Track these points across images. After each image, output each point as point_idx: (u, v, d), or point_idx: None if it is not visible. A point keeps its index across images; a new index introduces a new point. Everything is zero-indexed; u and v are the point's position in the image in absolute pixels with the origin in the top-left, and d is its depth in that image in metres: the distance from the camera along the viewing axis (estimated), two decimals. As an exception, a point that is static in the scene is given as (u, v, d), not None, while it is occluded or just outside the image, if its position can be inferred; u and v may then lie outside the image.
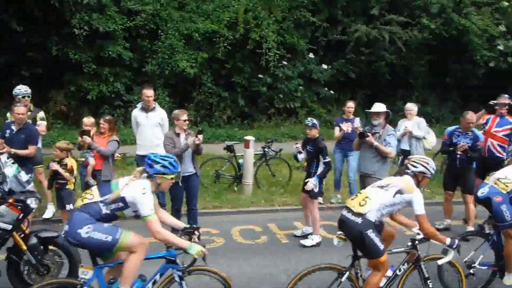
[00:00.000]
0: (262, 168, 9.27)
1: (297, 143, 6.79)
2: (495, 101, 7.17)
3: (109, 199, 3.73)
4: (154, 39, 13.38)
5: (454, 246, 4.26)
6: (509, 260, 4.99)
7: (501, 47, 14.66)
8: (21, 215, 4.48)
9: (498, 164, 7.16)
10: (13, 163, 4.84)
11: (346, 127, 7.85)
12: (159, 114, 7.25)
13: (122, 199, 3.75)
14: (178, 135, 6.34)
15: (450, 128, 7.08)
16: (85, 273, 3.76)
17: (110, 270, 3.92)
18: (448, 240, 4.25)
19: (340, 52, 15.46)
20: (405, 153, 8.26)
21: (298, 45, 14.65)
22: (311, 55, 15.25)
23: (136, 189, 3.74)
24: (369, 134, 6.29)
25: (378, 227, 4.22)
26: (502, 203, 4.93)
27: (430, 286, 4.37)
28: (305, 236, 6.55)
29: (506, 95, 7.38)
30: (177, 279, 3.90)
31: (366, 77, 15.47)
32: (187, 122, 6.40)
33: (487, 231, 5.13)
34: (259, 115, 14.83)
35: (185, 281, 3.90)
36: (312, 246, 6.30)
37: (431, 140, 8.46)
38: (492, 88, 11.07)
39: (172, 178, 3.97)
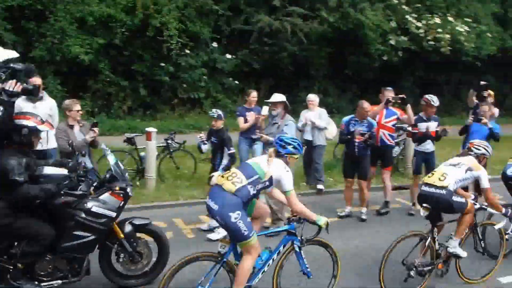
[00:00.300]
0: (165, 161, 8.90)
1: (201, 134, 6.61)
2: (394, 95, 7.57)
3: (262, 180, 4.09)
4: (41, 21, 12.21)
5: (508, 215, 5.19)
6: None
7: (393, 42, 15.60)
8: (122, 202, 4.51)
9: (389, 151, 7.77)
10: (112, 151, 4.93)
11: (251, 117, 7.77)
12: (48, 103, 6.56)
13: (270, 178, 4.15)
14: (71, 127, 5.83)
15: (346, 118, 7.32)
16: (223, 246, 4.15)
17: None
18: (504, 210, 5.17)
19: (244, 42, 15.43)
20: (308, 144, 8.41)
21: (201, 34, 14.34)
22: (214, 44, 15.02)
23: (280, 168, 4.19)
24: (262, 135, 6.42)
25: None
26: None
27: (483, 245, 5.40)
28: (211, 230, 6.37)
29: (390, 88, 7.88)
30: (296, 249, 4.38)
31: (269, 68, 15.61)
32: (80, 112, 5.88)
33: None
34: (161, 105, 14.30)
35: (303, 251, 4.40)
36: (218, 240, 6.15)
37: (332, 130, 8.70)
38: (386, 81, 11.75)
39: (297, 158, 4.47)
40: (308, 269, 4.45)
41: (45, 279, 4.25)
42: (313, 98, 8.63)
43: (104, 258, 4.64)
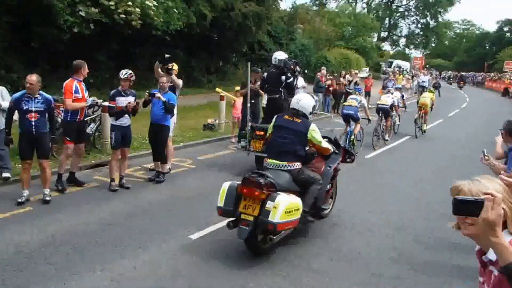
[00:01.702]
0: None
1: None
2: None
3: (360, 104, 11.42)
4: None
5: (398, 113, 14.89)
6: None
7: (83, 13, 14.85)
8: None
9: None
10: None
11: None
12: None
13: (362, 104, 11.57)
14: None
15: (16, 94, 6.62)
16: (348, 127, 11.30)
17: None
18: (399, 110, 14.83)
19: None
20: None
21: None
22: None
23: (364, 100, 12.18)
24: None
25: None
26: None
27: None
28: None
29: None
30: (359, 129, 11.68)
31: None
32: None
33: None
34: None
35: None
36: None
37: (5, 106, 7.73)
38: (79, 54, 11.15)
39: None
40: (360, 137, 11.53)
41: None
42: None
43: None
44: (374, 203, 7.62)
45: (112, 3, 15.08)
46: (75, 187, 7.47)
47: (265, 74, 9.70)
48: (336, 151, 6.52)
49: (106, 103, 9.49)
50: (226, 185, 5.27)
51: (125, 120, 7.62)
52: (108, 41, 16.85)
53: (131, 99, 7.56)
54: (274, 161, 5.62)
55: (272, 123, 6.04)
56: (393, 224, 6.69)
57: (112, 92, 7.71)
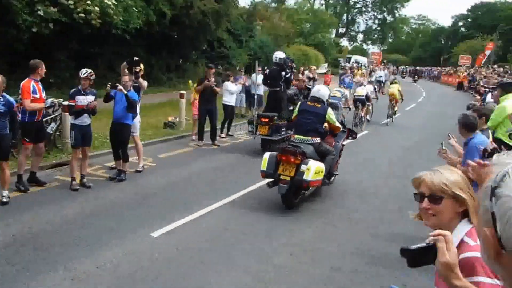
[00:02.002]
0: None
1: None
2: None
3: (342, 95, 13.77)
4: None
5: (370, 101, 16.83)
6: None
7: (41, 13, 14.59)
8: None
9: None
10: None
11: None
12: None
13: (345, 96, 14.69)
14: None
15: None
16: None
17: None
18: (372, 101, 16.86)
19: None
20: None
21: None
22: None
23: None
24: None
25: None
26: None
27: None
28: None
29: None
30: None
31: None
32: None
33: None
34: None
35: None
36: None
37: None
38: (39, 54, 10.99)
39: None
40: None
41: None
42: None
43: None
44: (337, 197, 7.90)
45: (71, 2, 14.93)
46: (36, 187, 7.51)
47: (267, 70, 11.81)
48: (344, 129, 8.18)
49: (66, 103, 9.51)
50: (267, 155, 7.01)
51: (85, 119, 7.69)
52: (68, 40, 16.64)
53: (91, 98, 7.63)
54: (301, 136, 7.28)
55: (297, 108, 7.75)
56: (353, 218, 6.94)
57: (72, 91, 7.78)
